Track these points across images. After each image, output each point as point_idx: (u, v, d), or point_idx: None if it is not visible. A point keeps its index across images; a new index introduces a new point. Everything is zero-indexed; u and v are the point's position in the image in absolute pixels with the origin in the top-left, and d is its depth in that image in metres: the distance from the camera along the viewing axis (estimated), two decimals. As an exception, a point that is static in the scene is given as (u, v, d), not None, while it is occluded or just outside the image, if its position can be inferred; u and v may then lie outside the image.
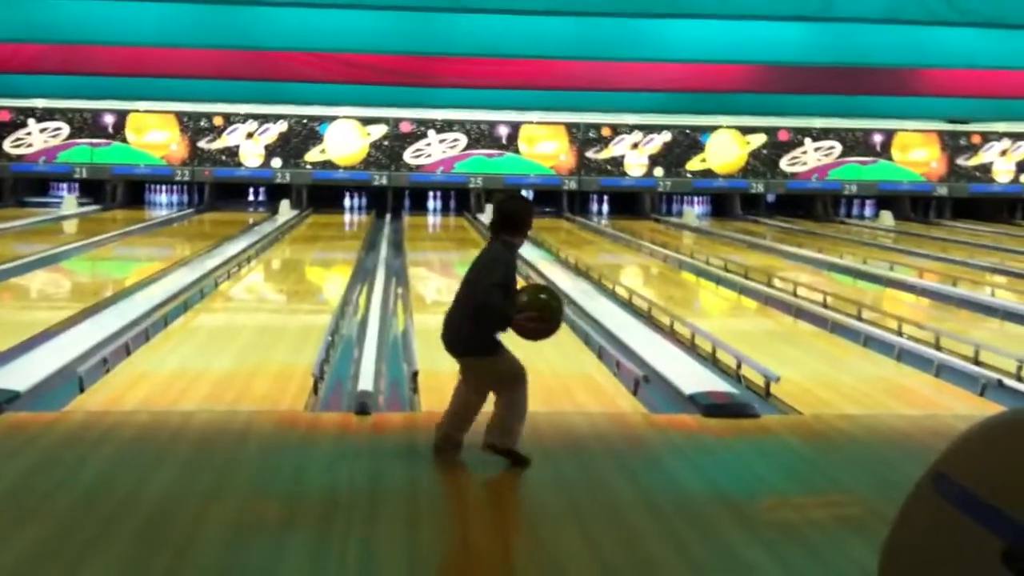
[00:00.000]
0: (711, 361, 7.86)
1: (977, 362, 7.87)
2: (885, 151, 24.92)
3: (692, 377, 6.91)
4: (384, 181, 23.68)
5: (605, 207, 25.02)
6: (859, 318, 9.83)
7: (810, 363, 8.17)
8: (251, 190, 24.35)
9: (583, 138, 24.16)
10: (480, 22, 11.33)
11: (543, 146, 24.07)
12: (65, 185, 23.30)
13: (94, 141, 22.91)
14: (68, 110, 22.58)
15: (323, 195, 23.59)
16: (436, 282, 12.52)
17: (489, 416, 4.85)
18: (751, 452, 5.39)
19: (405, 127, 23.62)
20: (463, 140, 23.77)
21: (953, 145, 25.10)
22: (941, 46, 11.55)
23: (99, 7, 10.97)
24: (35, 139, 22.73)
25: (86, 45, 13.75)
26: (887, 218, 23.91)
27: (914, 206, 25.37)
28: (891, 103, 19.13)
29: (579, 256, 15.13)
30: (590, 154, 24.26)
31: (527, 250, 13.04)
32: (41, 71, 16.45)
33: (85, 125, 22.83)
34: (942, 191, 25.28)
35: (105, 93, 20.26)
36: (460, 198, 24.15)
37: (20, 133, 22.63)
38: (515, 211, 4.95)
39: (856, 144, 24.81)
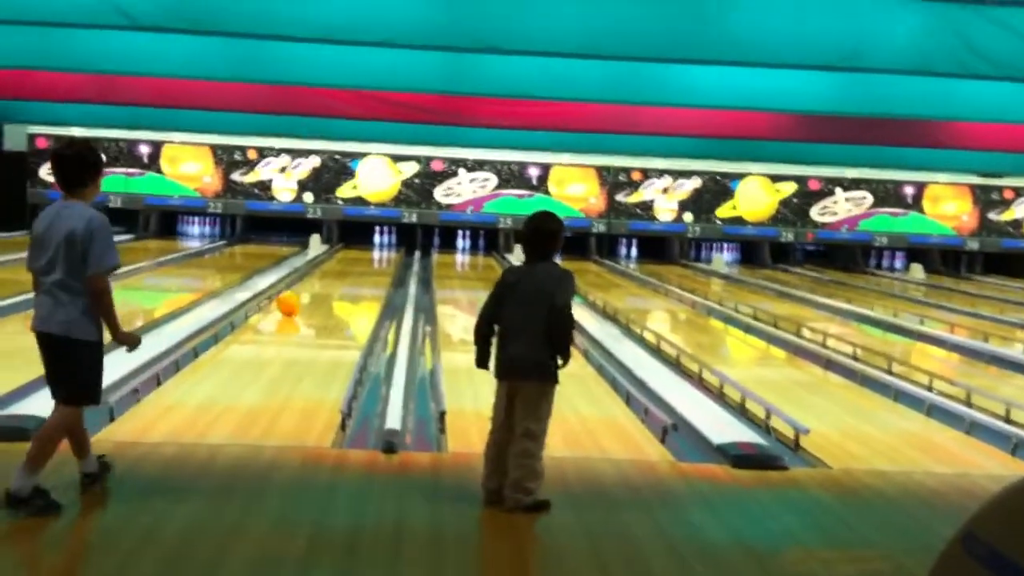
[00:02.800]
0: (740, 411, 7.81)
1: (1008, 420, 7.78)
2: (916, 203, 24.83)
3: (720, 426, 6.88)
4: (414, 219, 23.79)
5: (634, 251, 25.02)
6: (889, 371, 9.76)
7: (839, 415, 8.11)
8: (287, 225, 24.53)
9: (613, 181, 24.21)
10: (513, 63, 11.43)
11: (573, 188, 24.14)
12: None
13: (129, 171, 23.16)
14: (104, 139, 22.83)
15: (353, 231, 23.72)
16: (464, 321, 12.52)
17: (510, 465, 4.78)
18: (778, 504, 5.35)
19: (437, 165, 23.76)
20: (493, 180, 23.88)
21: (985, 199, 24.98)
22: (972, 99, 11.54)
23: (138, 39, 11.13)
24: (71, 167, 22.99)
25: (124, 76, 13.98)
26: (918, 271, 23.77)
27: (944, 259, 25.23)
28: (922, 155, 19.11)
29: (607, 299, 15.12)
30: (620, 197, 24.30)
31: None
32: (79, 100, 16.72)
33: (120, 155, 23.09)
34: (973, 245, 25.14)
35: (141, 124, 20.58)
36: (489, 237, 24.23)
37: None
38: (556, 230, 4.95)
39: (887, 195, 24.74)
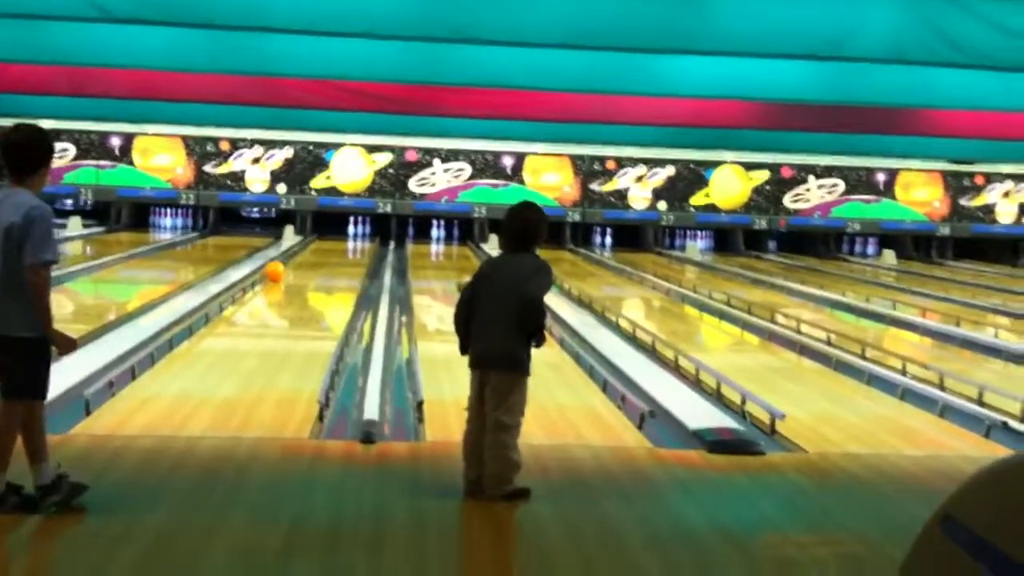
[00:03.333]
0: (716, 397, 7.86)
1: (981, 403, 7.87)
2: (888, 190, 25.01)
3: (697, 413, 6.92)
4: (389, 209, 23.75)
5: (608, 239, 25.08)
6: (863, 356, 9.84)
7: (814, 400, 8.17)
8: (256, 211, 24.47)
9: (587, 170, 24.25)
10: (486, 53, 11.41)
11: (548, 177, 24.16)
12: (70, 206, 23.34)
13: (100, 163, 22.99)
14: (75, 131, 22.67)
15: (327, 222, 23.65)
16: (440, 311, 12.52)
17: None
18: (755, 489, 5.39)
19: (411, 156, 23.72)
20: (468, 170, 23.86)
21: (956, 186, 25.19)
22: (945, 87, 11.62)
23: (108, 30, 11.04)
24: (42, 160, 22.80)
25: (95, 68, 13.86)
26: (890, 257, 23.95)
27: (916, 245, 25.43)
28: (895, 142, 19.24)
29: (582, 288, 15.15)
30: (594, 186, 24.34)
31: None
32: (49, 92, 16.57)
33: (92, 147, 22.92)
34: (945, 231, 25.35)
35: (113, 116, 20.43)
36: (464, 227, 24.21)
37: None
38: (538, 221, 4.94)
39: (859, 182, 24.90)
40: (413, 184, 23.80)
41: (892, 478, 5.70)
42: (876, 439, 6.98)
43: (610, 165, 24.32)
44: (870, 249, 25.63)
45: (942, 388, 8.40)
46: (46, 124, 22.43)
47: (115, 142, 22.98)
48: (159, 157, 23.24)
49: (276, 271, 14.96)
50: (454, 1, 8.52)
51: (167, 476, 5.07)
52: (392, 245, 21.72)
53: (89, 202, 23.23)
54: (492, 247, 20.72)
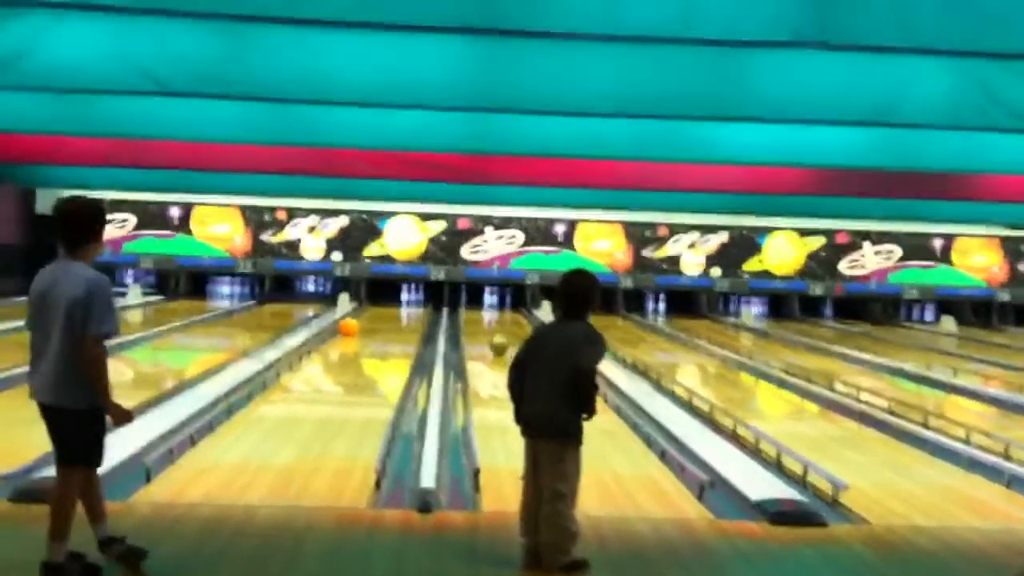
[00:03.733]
0: (776, 466, 7.73)
1: (1049, 474, 7.67)
2: (945, 256, 24.72)
3: (758, 483, 6.81)
4: (442, 276, 23.89)
5: (661, 306, 24.99)
6: (925, 425, 9.66)
7: (877, 470, 8.02)
8: (311, 280, 24.77)
9: (639, 237, 24.26)
10: (538, 123, 11.51)
11: (599, 244, 24.20)
12: (130, 276, 23.75)
13: (160, 233, 23.42)
14: (135, 202, 23.15)
15: (381, 289, 23.84)
16: (493, 378, 12.50)
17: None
18: (819, 561, 5.29)
19: (463, 223, 23.90)
20: (520, 237, 23.98)
21: (1014, 251, 24.84)
22: (1000, 152, 11.52)
23: (167, 104, 11.29)
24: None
25: (154, 140, 14.19)
26: (949, 323, 23.57)
27: (975, 312, 25.03)
28: (950, 208, 19.06)
29: (636, 355, 15.08)
30: (646, 253, 24.33)
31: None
32: (110, 164, 16.96)
33: (151, 217, 23.36)
34: (1004, 297, 24.94)
35: (171, 187, 20.85)
36: (516, 294, 24.27)
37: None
38: (590, 287, 4.92)
39: (916, 248, 24.65)
40: (466, 251, 23.95)
41: (959, 552, 5.57)
42: (941, 511, 6.83)
43: (662, 231, 24.31)
44: (928, 315, 25.27)
45: (1008, 458, 8.21)
46: (107, 195, 23.06)
47: (174, 212, 23.41)
48: (217, 226, 23.64)
49: (350, 326, 16.61)
50: (506, 72, 8.62)
51: (226, 545, 5.08)
52: (445, 312, 21.80)
53: (149, 271, 23.64)
54: (544, 313, 20.72)
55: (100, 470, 4.54)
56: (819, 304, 24.89)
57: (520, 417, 4.89)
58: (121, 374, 11.87)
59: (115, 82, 8.95)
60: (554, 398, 4.72)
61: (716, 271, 24.43)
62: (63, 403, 4.32)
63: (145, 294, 22.41)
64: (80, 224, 4.38)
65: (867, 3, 6.30)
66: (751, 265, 24.51)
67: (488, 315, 23.33)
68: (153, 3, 6.47)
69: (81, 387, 4.31)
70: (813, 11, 6.28)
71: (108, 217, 23.52)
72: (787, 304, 24.74)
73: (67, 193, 5.64)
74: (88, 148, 15.34)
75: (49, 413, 4.36)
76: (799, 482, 7.19)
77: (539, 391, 4.77)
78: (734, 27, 6.43)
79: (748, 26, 6.46)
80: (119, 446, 7.11)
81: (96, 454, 4.46)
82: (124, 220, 23.33)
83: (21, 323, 4.76)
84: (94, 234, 4.42)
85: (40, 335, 4.34)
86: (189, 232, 23.52)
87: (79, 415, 4.34)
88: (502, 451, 7.45)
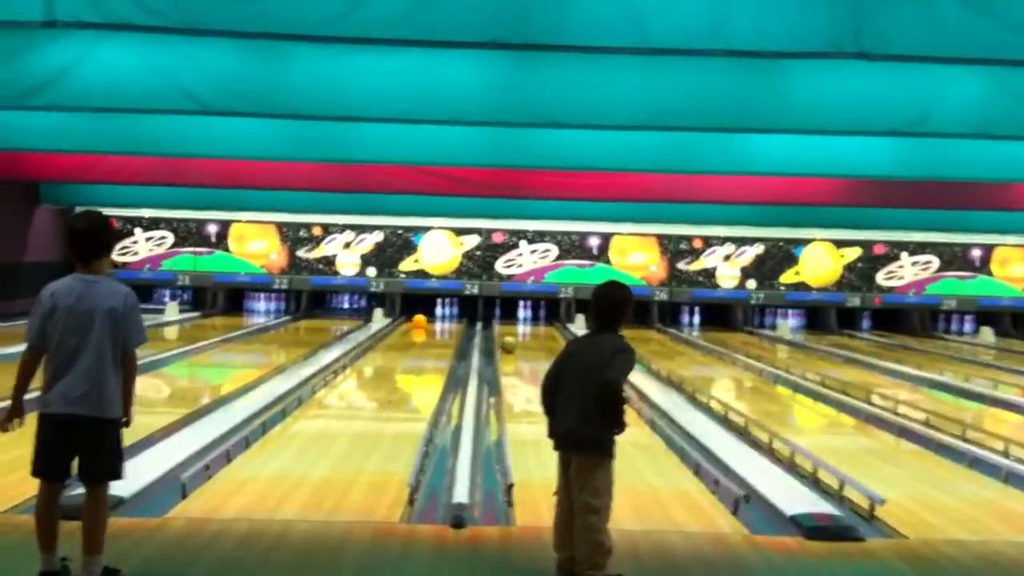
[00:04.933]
0: (812, 480, 7.68)
1: (1090, 487, 7.56)
2: (984, 266, 24.46)
3: (793, 497, 6.76)
4: (476, 290, 23.94)
5: (696, 319, 24.89)
6: (963, 438, 9.55)
7: (914, 484, 7.94)
8: (347, 298, 24.91)
9: (674, 249, 24.20)
10: (571, 137, 11.57)
11: (634, 257, 24.16)
12: (168, 292, 23.99)
13: (197, 250, 23.64)
14: (173, 220, 23.41)
15: (416, 304, 23.92)
16: (527, 392, 12.51)
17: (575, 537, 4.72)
18: (856, 577, 5.25)
19: (497, 237, 23.95)
20: (554, 250, 24.00)
21: (1054, 260, 24.54)
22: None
23: (204, 122, 11.47)
24: (141, 247, 23.54)
25: (192, 158, 14.37)
26: (988, 335, 23.29)
27: (1015, 323, 24.72)
28: (988, 217, 18.95)
29: (671, 368, 15.02)
30: (681, 265, 24.26)
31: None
32: (148, 182, 17.18)
33: (189, 234, 23.60)
34: (1045, 307, 24.62)
35: (209, 204, 21.10)
36: (551, 308, 24.27)
37: (127, 241, 23.46)
38: (623, 300, 4.91)
39: (954, 259, 24.42)
40: (500, 265, 23.99)
41: (999, 566, 5.51)
42: (980, 524, 6.75)
43: (697, 244, 24.24)
44: (967, 327, 24.99)
45: (1048, 471, 8.10)
46: (145, 213, 23.29)
47: (211, 229, 23.63)
48: (254, 243, 23.83)
49: (420, 321, 19.91)
50: (536, 87, 8.67)
51: (262, 560, 5.11)
52: (479, 326, 21.84)
53: (186, 288, 23.88)
54: (579, 327, 20.70)
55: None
56: (856, 316, 24.68)
57: (552, 432, 4.90)
58: (158, 390, 11.98)
59: (153, 101, 9.10)
60: (585, 413, 4.71)
61: (752, 283, 24.31)
62: (106, 413, 4.40)
63: (182, 310, 22.62)
64: (97, 238, 4.52)
65: (901, 13, 6.29)
66: (787, 277, 24.37)
67: (522, 329, 23.33)
68: (190, 23, 6.56)
69: (118, 397, 4.43)
70: (848, 21, 6.28)
71: (147, 235, 23.84)
72: (824, 316, 24.56)
73: (106, 211, 5.74)
74: (126, 166, 15.58)
75: (86, 425, 4.37)
76: (835, 496, 7.14)
77: (570, 406, 4.78)
78: (765, 38, 6.44)
79: (780, 37, 6.46)
80: (156, 462, 7.21)
81: (122, 467, 4.55)
82: (163, 237, 23.58)
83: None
84: (109, 248, 4.60)
85: (66, 348, 4.36)
86: (227, 249, 23.73)
87: (115, 425, 4.45)
88: (536, 465, 7.45)
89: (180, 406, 10.39)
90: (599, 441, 4.74)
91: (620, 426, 4.74)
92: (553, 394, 4.89)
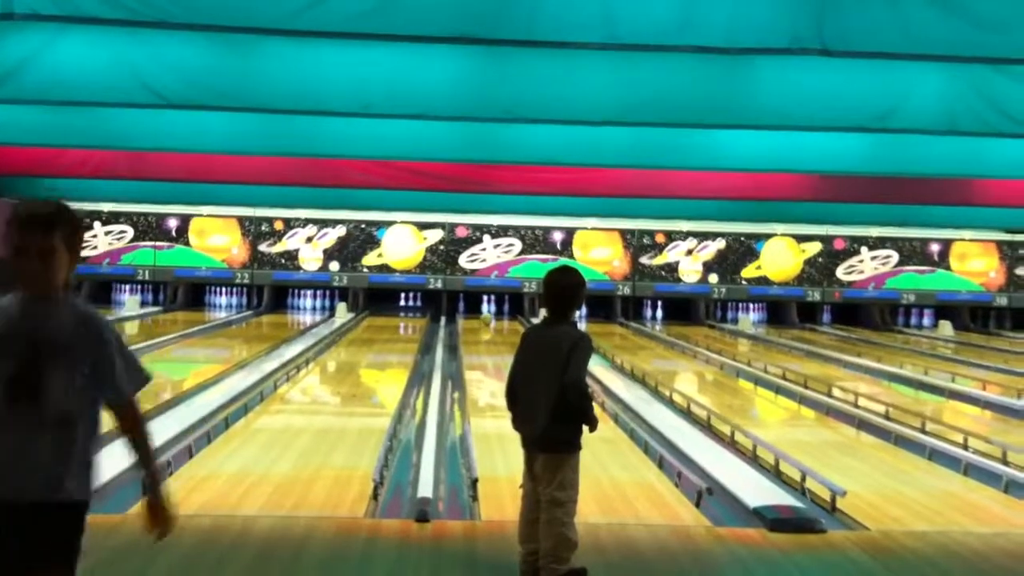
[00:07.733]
0: (774, 473, 7.74)
1: (1047, 478, 7.67)
2: (943, 260, 24.76)
3: (756, 489, 6.81)
4: (439, 285, 23.91)
5: (659, 313, 25.01)
6: (923, 430, 9.66)
7: (875, 476, 8.02)
8: (311, 294, 24.81)
9: (637, 244, 24.29)
10: (535, 132, 11.54)
11: (597, 252, 24.23)
12: (127, 287, 23.76)
13: (157, 244, 23.44)
14: (133, 214, 23.18)
15: (379, 298, 23.85)
16: (491, 386, 12.51)
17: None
18: (818, 568, 5.30)
19: (461, 232, 23.94)
20: (518, 245, 24.02)
21: (1012, 255, 24.88)
22: (998, 157, 11.56)
23: (168, 116, 11.33)
24: (100, 241, 23.31)
25: (152, 152, 14.22)
26: (947, 328, 23.60)
27: (973, 316, 25.06)
28: (948, 213, 19.13)
29: (634, 362, 15.08)
30: (644, 260, 24.36)
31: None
32: (108, 176, 16.97)
33: (149, 228, 23.39)
34: (1002, 301, 24.97)
35: (170, 198, 20.89)
36: (514, 302, 24.29)
37: (86, 236, 23.22)
38: (572, 284, 4.78)
39: (913, 253, 24.69)
40: (464, 260, 23.98)
41: (959, 556, 5.57)
42: (940, 516, 6.83)
43: (660, 239, 24.35)
44: (926, 321, 25.29)
45: (1006, 462, 8.21)
46: (105, 207, 23.02)
47: (172, 223, 23.44)
48: (215, 237, 23.66)
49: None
50: (503, 82, 8.63)
51: (224, 555, 5.09)
52: (443, 321, 21.82)
53: (146, 283, 23.67)
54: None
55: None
56: (817, 310, 24.91)
57: (521, 433, 4.86)
58: (119, 385, 11.86)
59: (114, 94, 8.97)
60: (548, 411, 4.66)
61: (714, 278, 24.46)
62: (73, 495, 3.18)
63: (142, 305, 22.41)
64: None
65: (865, 9, 6.32)
66: (748, 272, 24.54)
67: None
68: (153, 16, 6.47)
69: (87, 471, 3.25)
70: (812, 18, 6.30)
71: (107, 229, 23.55)
72: (784, 310, 24.76)
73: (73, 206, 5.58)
74: (86, 160, 15.38)
75: (22, 513, 3.07)
76: (797, 488, 7.20)
77: (535, 407, 4.70)
78: (732, 35, 6.45)
79: (746, 33, 6.47)
80: (116, 458, 7.12)
81: None
82: (122, 232, 23.35)
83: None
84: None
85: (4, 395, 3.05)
86: (187, 243, 23.54)
87: (78, 513, 3.22)
88: (500, 460, 7.46)
89: (141, 402, 10.28)
90: (562, 440, 4.71)
91: (591, 423, 4.69)
92: (515, 395, 4.84)
